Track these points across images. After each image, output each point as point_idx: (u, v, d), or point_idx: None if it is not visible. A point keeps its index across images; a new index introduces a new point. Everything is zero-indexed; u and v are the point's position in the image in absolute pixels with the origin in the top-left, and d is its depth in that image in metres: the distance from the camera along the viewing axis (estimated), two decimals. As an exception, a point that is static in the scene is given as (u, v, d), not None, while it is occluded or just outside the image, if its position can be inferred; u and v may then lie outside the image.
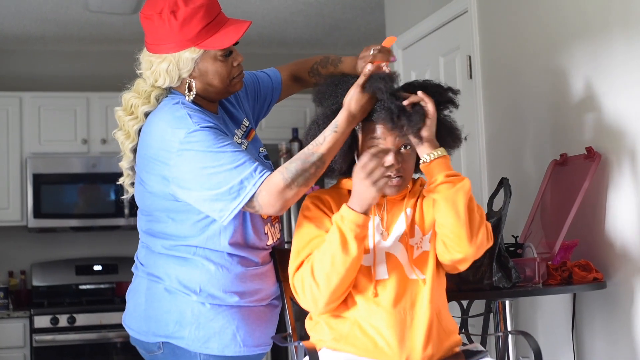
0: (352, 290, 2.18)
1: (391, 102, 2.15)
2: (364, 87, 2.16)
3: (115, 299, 5.67)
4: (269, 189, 2.06)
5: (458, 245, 2.13)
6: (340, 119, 2.14)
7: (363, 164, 2.04)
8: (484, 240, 2.15)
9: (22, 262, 5.82)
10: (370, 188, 2.04)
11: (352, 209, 2.07)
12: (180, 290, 2.20)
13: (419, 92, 2.16)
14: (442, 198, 2.11)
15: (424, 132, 2.15)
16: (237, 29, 2.19)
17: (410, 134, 2.15)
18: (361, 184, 2.05)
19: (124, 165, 2.30)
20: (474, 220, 2.12)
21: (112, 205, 5.60)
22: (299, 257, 2.18)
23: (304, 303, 2.17)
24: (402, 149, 2.19)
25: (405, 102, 2.14)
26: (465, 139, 2.35)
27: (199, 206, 2.13)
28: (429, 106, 2.15)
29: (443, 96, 2.25)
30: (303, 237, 2.21)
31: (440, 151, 2.16)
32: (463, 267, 2.22)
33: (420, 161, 2.17)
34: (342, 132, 2.14)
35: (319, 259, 2.11)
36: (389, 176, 2.14)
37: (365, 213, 2.06)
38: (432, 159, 2.15)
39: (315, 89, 2.41)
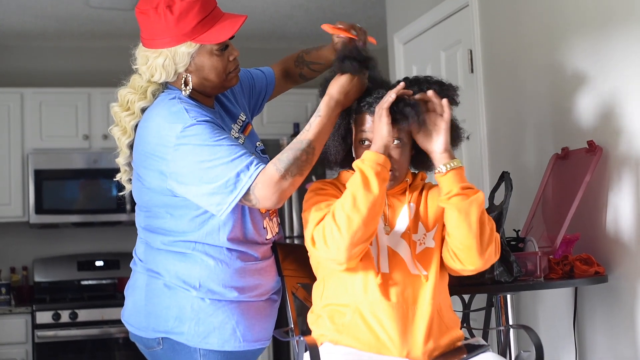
0: (355, 279, 2.18)
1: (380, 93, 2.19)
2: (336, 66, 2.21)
3: (117, 295, 5.67)
4: (264, 181, 2.06)
5: (468, 257, 2.14)
6: (322, 103, 2.17)
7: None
8: (492, 254, 2.17)
9: (24, 258, 5.81)
10: (381, 119, 2.11)
11: (371, 151, 2.11)
12: (179, 285, 2.20)
13: (429, 92, 2.18)
14: (456, 209, 2.12)
15: (441, 142, 2.16)
16: (233, 23, 2.19)
17: (415, 123, 2.16)
18: (376, 116, 2.14)
19: (120, 161, 2.31)
20: (485, 233, 2.13)
21: (114, 200, 5.60)
22: (318, 212, 2.17)
23: (324, 251, 2.12)
24: (393, 142, 2.20)
25: (417, 96, 2.16)
26: (468, 137, 2.36)
27: (196, 200, 2.13)
28: (446, 114, 2.17)
29: (444, 94, 2.25)
30: (320, 201, 2.21)
31: (456, 162, 2.16)
32: (467, 274, 2.23)
33: (436, 170, 2.17)
34: (325, 115, 2.15)
35: (340, 203, 2.10)
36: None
37: (384, 153, 2.10)
38: (449, 169, 2.15)
39: (322, 81, 2.42)
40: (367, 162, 2.09)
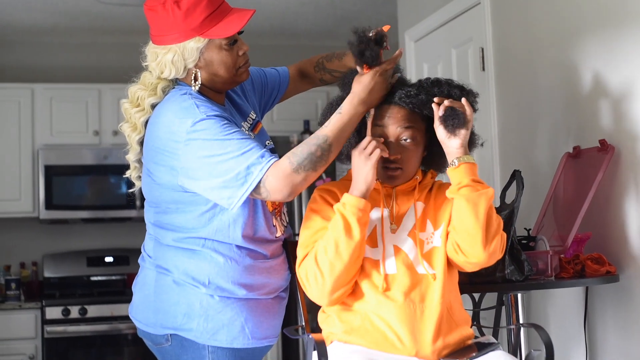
0: (362, 284, 2.18)
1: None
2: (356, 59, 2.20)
3: (126, 291, 5.66)
4: (276, 174, 2.05)
5: (472, 248, 2.13)
6: (345, 101, 2.16)
7: (359, 144, 2.14)
8: (497, 249, 2.15)
9: (34, 254, 5.82)
10: (366, 163, 2.11)
11: (353, 195, 2.11)
12: (188, 282, 2.20)
13: (463, 100, 2.18)
14: (465, 199, 2.12)
15: (461, 137, 2.16)
16: (241, 17, 2.19)
17: (457, 128, 2.16)
18: (358, 161, 2.12)
19: (130, 157, 2.31)
20: (491, 226, 2.13)
21: (123, 196, 5.62)
22: (305, 248, 2.19)
23: (309, 293, 2.18)
24: (403, 140, 2.20)
25: (446, 102, 2.16)
26: (482, 144, 2.35)
27: (207, 195, 2.12)
28: (468, 112, 2.17)
29: (466, 99, 2.24)
30: (309, 229, 2.22)
31: (470, 158, 2.17)
32: (470, 270, 2.22)
33: (449, 164, 2.17)
34: (346, 113, 2.13)
35: (323, 246, 2.12)
36: (389, 161, 2.18)
37: (365, 197, 2.11)
38: (462, 162, 2.15)
39: (341, 75, 2.42)
40: (349, 208, 2.10)
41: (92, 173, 5.66)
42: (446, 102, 2.16)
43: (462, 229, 2.13)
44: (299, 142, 5.77)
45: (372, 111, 2.22)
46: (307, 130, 5.86)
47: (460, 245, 2.15)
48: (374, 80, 2.17)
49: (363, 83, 2.16)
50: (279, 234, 2.32)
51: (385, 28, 2.22)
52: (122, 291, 5.69)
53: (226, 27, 2.17)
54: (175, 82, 2.26)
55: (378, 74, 2.17)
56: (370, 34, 2.18)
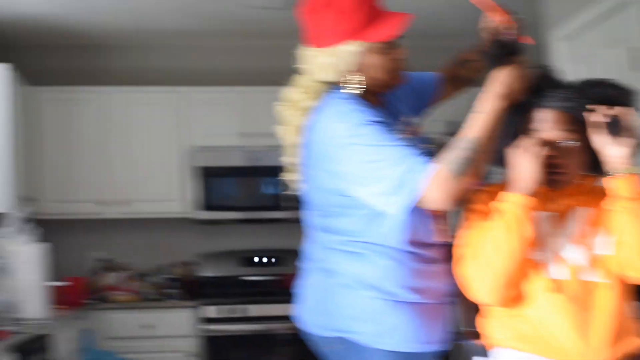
0: (528, 288, 2.16)
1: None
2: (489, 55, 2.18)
3: (279, 291, 5.63)
4: (435, 181, 2.04)
5: (633, 262, 2.08)
6: (482, 100, 2.12)
7: (520, 143, 2.12)
8: None
9: (189, 253, 5.98)
10: (530, 161, 2.08)
11: (518, 193, 2.09)
12: (354, 285, 2.21)
13: (625, 109, 2.12)
14: (627, 212, 2.06)
15: (625, 145, 2.10)
16: (400, 20, 2.18)
17: (620, 136, 2.11)
18: (521, 159, 2.09)
19: (287, 160, 2.33)
20: None
21: (273, 198, 5.69)
22: (467, 248, 2.18)
23: (476, 292, 2.15)
24: (564, 144, 2.16)
25: (608, 111, 2.11)
26: None
27: (368, 200, 2.13)
28: (633, 119, 2.12)
29: (622, 99, 2.19)
30: (470, 228, 2.21)
31: (634, 168, 2.10)
32: (634, 282, 2.16)
33: (611, 173, 2.12)
34: (487, 111, 2.09)
35: (489, 244, 2.10)
36: (551, 165, 2.14)
37: (530, 194, 2.08)
38: (627, 173, 2.09)
39: (480, 67, 2.41)
40: (515, 205, 2.08)
41: (243, 175, 5.76)
42: (608, 111, 2.11)
43: (624, 242, 2.08)
44: (443, 143, 5.74)
45: (530, 114, 2.19)
46: (451, 132, 5.81)
47: (624, 259, 2.10)
48: (511, 75, 2.13)
49: (499, 78, 2.13)
50: (443, 238, 2.31)
51: (528, 40, 2.20)
52: (275, 291, 5.71)
53: (385, 30, 2.18)
54: (332, 85, 2.26)
55: (515, 69, 2.13)
56: (504, 39, 2.16)
